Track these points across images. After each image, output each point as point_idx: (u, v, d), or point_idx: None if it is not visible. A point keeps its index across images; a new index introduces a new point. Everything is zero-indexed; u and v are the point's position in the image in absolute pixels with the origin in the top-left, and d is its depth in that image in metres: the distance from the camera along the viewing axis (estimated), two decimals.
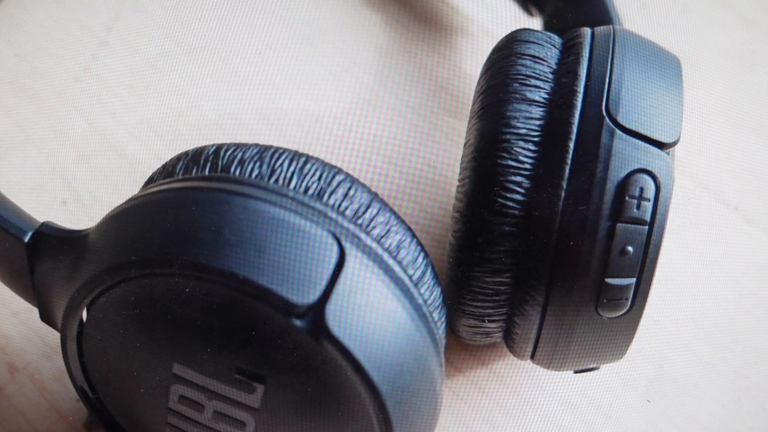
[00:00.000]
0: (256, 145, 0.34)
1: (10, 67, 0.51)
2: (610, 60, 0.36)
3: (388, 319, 0.32)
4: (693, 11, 0.55)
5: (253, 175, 0.33)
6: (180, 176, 0.34)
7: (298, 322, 0.30)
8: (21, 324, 0.43)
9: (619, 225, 0.35)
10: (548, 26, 0.46)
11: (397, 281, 0.32)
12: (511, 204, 0.36)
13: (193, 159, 0.34)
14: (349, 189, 0.33)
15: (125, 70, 0.51)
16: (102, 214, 0.35)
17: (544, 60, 0.38)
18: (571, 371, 0.40)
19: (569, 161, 0.35)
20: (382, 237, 0.33)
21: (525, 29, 0.39)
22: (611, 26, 0.38)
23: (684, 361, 0.45)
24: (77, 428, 0.41)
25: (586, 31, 0.38)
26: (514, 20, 0.51)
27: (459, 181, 0.38)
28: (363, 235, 0.33)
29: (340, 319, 0.31)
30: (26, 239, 0.35)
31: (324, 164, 0.34)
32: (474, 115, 0.38)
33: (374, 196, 0.34)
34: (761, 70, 0.54)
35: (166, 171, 0.35)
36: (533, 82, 0.37)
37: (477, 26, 0.54)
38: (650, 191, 0.35)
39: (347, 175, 0.34)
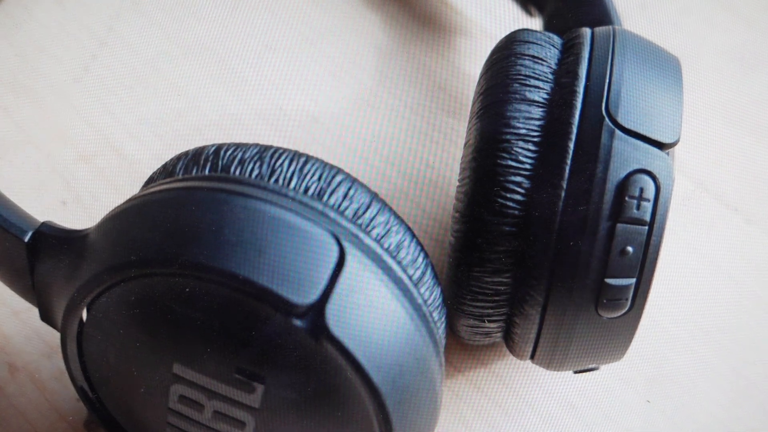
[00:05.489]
0: (256, 145, 0.34)
1: (10, 67, 0.51)
2: (610, 60, 0.36)
3: (388, 319, 0.32)
4: (693, 12, 0.56)
5: (253, 175, 0.33)
6: (180, 176, 0.34)
7: (298, 322, 0.30)
8: (21, 324, 0.43)
9: (618, 225, 0.35)
10: (548, 26, 0.46)
11: (397, 281, 0.32)
12: (511, 204, 0.36)
13: (193, 159, 0.34)
14: (349, 189, 0.33)
15: (125, 71, 0.51)
16: (102, 214, 0.35)
17: (544, 60, 0.38)
18: (571, 371, 0.40)
19: (569, 161, 0.35)
20: (382, 237, 0.33)
21: (525, 29, 0.39)
22: (611, 26, 0.38)
23: (684, 361, 0.45)
24: (77, 428, 0.41)
25: (586, 32, 0.38)
26: (513, 20, 0.51)
27: (459, 181, 0.38)
28: (363, 235, 0.33)
29: (340, 319, 0.31)
30: (26, 239, 0.35)
31: (324, 164, 0.34)
32: (474, 116, 0.38)
33: (374, 196, 0.34)
34: (761, 71, 0.54)
35: (166, 171, 0.35)
36: (533, 82, 0.37)
37: (476, 27, 0.54)
38: (650, 191, 0.35)
39: (347, 175, 0.34)
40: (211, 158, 0.34)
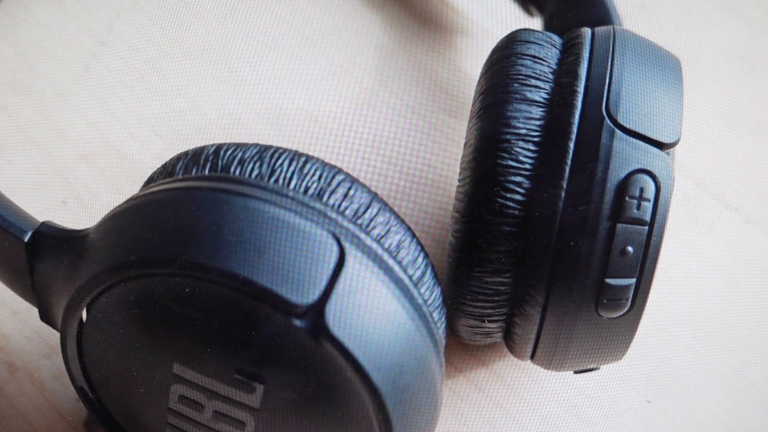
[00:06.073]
0: (256, 145, 0.34)
1: (10, 67, 0.51)
2: (610, 60, 0.36)
3: (388, 319, 0.32)
4: (693, 12, 0.56)
5: (253, 175, 0.33)
6: (180, 176, 0.34)
7: (298, 322, 0.30)
8: (21, 324, 0.43)
9: (619, 225, 0.35)
10: (548, 26, 0.46)
11: (397, 281, 0.32)
12: (511, 204, 0.36)
13: (193, 159, 0.34)
14: (349, 189, 0.33)
15: (125, 70, 0.51)
16: (102, 213, 0.35)
17: (544, 60, 0.38)
18: (571, 371, 0.40)
19: (569, 161, 0.35)
20: (382, 237, 0.33)
21: (525, 29, 0.39)
22: (611, 26, 0.38)
23: (684, 361, 0.45)
24: (77, 428, 0.41)
25: (587, 32, 0.38)
26: (514, 20, 0.51)
27: (459, 181, 0.38)
28: (363, 235, 0.33)
29: (340, 319, 0.31)
30: (26, 239, 0.35)
31: (324, 164, 0.34)
32: (474, 115, 0.38)
33: (374, 196, 0.34)
34: (761, 71, 0.54)
35: (166, 171, 0.35)
36: (533, 82, 0.37)
37: (477, 26, 0.54)
38: (650, 191, 0.35)
39: (347, 175, 0.34)
40: (211, 158, 0.34)
